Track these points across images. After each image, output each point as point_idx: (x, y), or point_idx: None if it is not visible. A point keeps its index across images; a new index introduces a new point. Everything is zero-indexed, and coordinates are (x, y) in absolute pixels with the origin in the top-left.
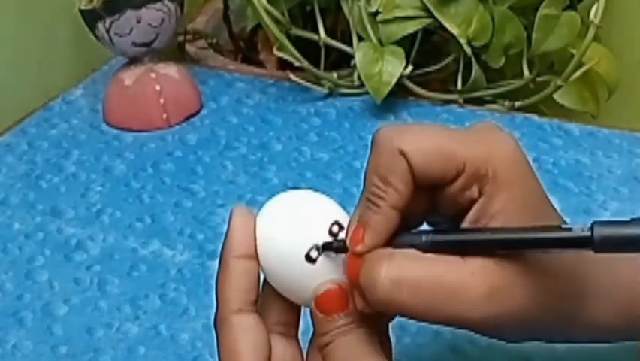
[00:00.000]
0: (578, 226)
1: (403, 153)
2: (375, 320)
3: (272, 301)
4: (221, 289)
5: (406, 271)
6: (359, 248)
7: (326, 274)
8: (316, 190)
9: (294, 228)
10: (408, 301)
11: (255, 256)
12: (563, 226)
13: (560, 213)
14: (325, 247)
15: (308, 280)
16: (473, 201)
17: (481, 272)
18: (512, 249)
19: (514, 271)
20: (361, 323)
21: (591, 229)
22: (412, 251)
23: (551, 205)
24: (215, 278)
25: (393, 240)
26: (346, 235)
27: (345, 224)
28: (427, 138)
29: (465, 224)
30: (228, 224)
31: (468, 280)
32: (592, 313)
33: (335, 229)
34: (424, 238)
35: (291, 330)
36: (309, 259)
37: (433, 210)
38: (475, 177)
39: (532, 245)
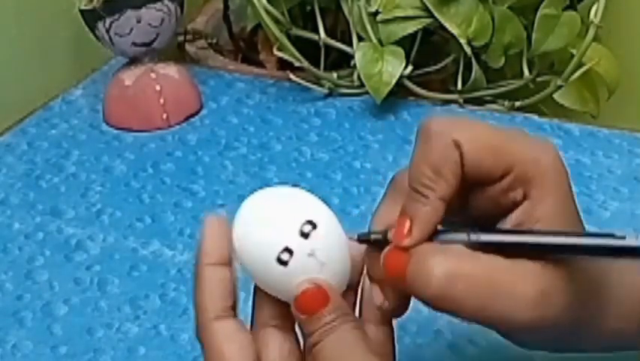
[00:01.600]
0: (632, 235)
1: (457, 144)
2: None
3: (264, 295)
4: (198, 298)
5: (462, 267)
6: (407, 242)
7: (300, 274)
8: (312, 189)
9: (263, 230)
10: (461, 298)
11: (228, 263)
12: (616, 234)
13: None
14: (361, 240)
15: (284, 281)
16: (515, 204)
17: (532, 275)
18: (566, 253)
19: (559, 275)
20: (346, 318)
21: None
22: (463, 248)
23: (580, 217)
24: (192, 287)
25: (434, 236)
26: (370, 224)
27: (321, 221)
28: (482, 132)
29: (506, 225)
30: (201, 233)
31: (520, 281)
32: (614, 321)
33: (306, 228)
34: (472, 236)
35: (286, 323)
36: (281, 262)
37: (462, 209)
38: (523, 179)
39: (587, 251)
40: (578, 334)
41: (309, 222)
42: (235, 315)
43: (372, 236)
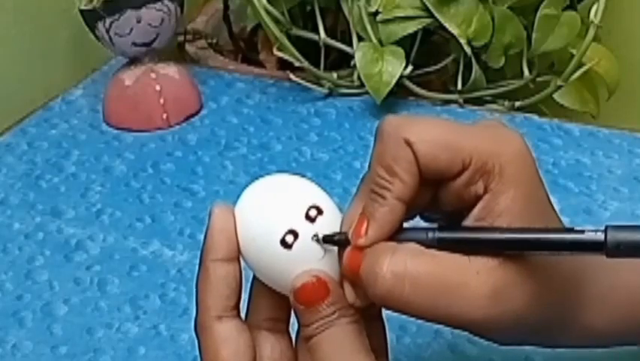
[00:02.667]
0: (591, 230)
1: (408, 143)
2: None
3: (260, 297)
4: (201, 295)
5: (409, 266)
6: (361, 241)
7: (303, 259)
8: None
9: (269, 213)
10: (409, 297)
11: (236, 258)
12: (576, 228)
13: (559, 215)
14: (326, 240)
15: (286, 266)
16: (478, 198)
17: (486, 272)
18: (522, 250)
19: (518, 272)
20: (345, 312)
21: (605, 232)
22: (416, 246)
23: (552, 207)
24: (195, 282)
25: (396, 235)
26: (341, 227)
27: (326, 208)
28: (434, 129)
29: (469, 221)
30: (207, 225)
31: (472, 279)
32: (588, 317)
33: (312, 213)
34: (429, 234)
35: (279, 325)
36: (285, 244)
37: (431, 206)
38: (482, 172)
39: (544, 247)
40: (550, 331)
41: (315, 207)
42: (238, 314)
43: (336, 237)
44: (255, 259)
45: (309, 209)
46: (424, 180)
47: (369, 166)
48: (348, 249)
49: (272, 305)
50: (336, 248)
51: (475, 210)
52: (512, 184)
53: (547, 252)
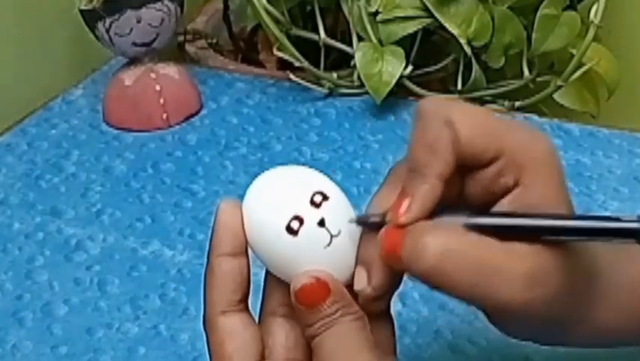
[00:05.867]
0: (627, 217)
1: (450, 123)
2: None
3: (274, 283)
4: (208, 290)
5: (455, 244)
6: (403, 219)
7: (309, 246)
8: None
9: (273, 201)
10: (451, 275)
11: (242, 253)
12: (612, 215)
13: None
14: (360, 222)
15: (292, 254)
16: (506, 190)
17: (524, 256)
18: (560, 235)
19: (552, 259)
20: (348, 310)
21: (639, 220)
22: (459, 227)
23: (573, 208)
24: (203, 278)
25: (432, 217)
26: (368, 209)
27: (332, 195)
28: (474, 113)
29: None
30: (214, 221)
31: (511, 262)
32: (602, 313)
33: (317, 198)
34: (467, 218)
35: (295, 312)
36: (290, 230)
37: (457, 201)
38: (513, 164)
39: (581, 233)
40: (565, 323)
41: (320, 193)
42: (245, 308)
43: (371, 218)
44: (262, 249)
45: (314, 195)
46: (458, 163)
47: (408, 146)
48: (385, 228)
49: (286, 291)
50: (342, 234)
51: (505, 201)
52: (542, 180)
53: (583, 238)
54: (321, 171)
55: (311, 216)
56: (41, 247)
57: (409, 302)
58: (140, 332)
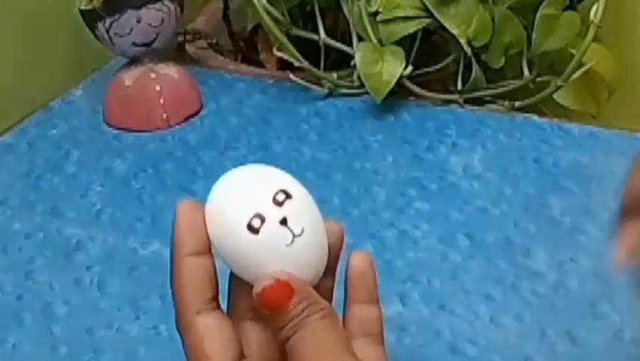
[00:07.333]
0: None
1: None
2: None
3: (240, 287)
4: (176, 292)
5: None
6: None
7: (271, 245)
8: (312, 189)
9: (235, 198)
10: None
11: (206, 251)
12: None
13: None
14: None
15: (254, 253)
16: None
17: None
18: None
19: None
20: (315, 307)
21: None
22: None
23: None
24: (170, 278)
25: None
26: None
27: (295, 193)
28: None
29: None
30: (173, 222)
31: None
32: None
33: (280, 197)
34: None
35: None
36: (252, 228)
37: None
38: None
39: None
40: None
41: (284, 191)
42: (217, 305)
43: None
44: (224, 248)
45: (276, 193)
46: None
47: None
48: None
49: (250, 293)
50: (305, 233)
51: None
52: None
53: None
54: (287, 171)
55: (273, 214)
56: (41, 247)
57: (409, 302)
58: (140, 333)
